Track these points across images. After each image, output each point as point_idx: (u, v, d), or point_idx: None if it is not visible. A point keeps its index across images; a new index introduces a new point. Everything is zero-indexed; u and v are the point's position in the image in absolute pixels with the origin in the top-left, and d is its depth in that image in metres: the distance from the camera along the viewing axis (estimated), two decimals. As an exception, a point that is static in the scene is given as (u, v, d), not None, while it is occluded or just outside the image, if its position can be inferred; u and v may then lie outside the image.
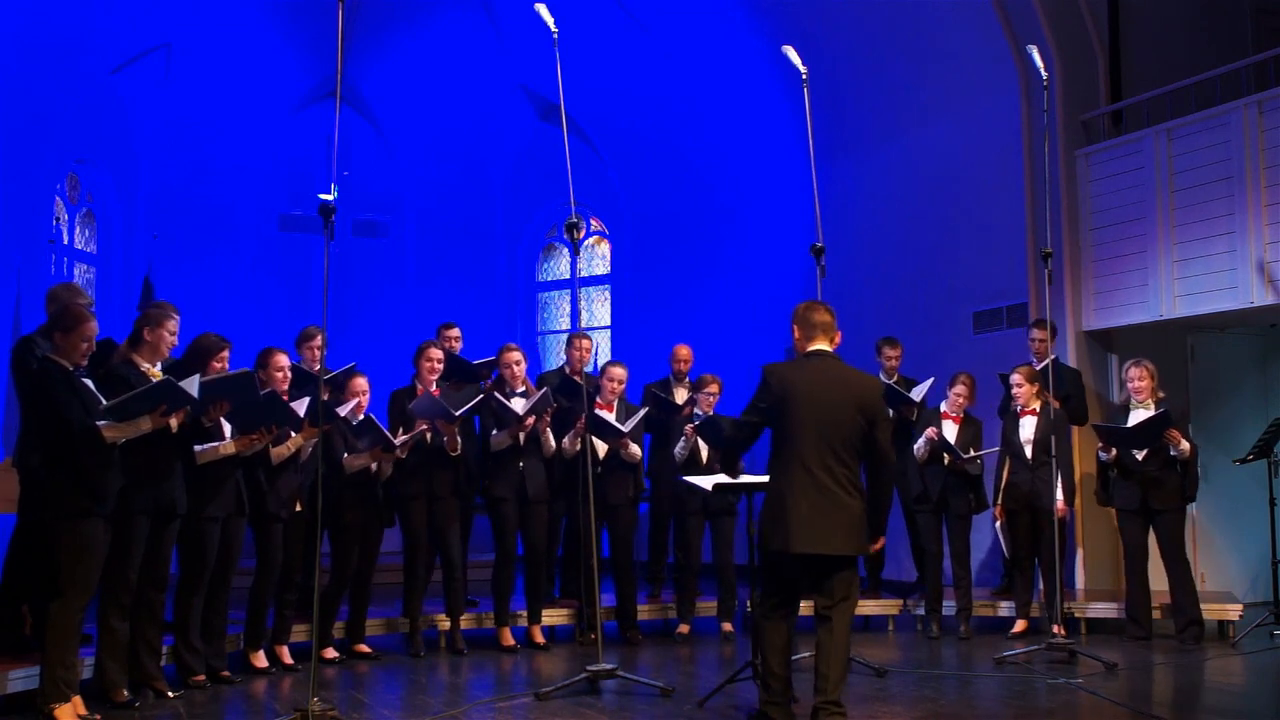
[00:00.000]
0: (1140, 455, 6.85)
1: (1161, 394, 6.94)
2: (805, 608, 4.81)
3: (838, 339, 4.77)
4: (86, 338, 4.74)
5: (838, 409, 4.50)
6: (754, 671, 5.20)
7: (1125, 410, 6.99)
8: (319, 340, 5.85)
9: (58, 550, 4.65)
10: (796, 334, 4.74)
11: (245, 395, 5.40)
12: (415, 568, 6.61)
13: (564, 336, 12.09)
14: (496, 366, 7.00)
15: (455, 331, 7.53)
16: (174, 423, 5.02)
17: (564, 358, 7.79)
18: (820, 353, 4.65)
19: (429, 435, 6.44)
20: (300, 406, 5.62)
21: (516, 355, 6.87)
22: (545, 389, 6.72)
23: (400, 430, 6.49)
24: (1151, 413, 6.75)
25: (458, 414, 6.41)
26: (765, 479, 5.04)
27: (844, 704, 4.39)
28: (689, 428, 7.09)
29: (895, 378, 7.88)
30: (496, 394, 6.65)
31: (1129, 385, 6.95)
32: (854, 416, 4.52)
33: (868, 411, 4.55)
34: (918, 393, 7.63)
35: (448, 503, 6.60)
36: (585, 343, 7.52)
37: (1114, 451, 6.91)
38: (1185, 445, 6.75)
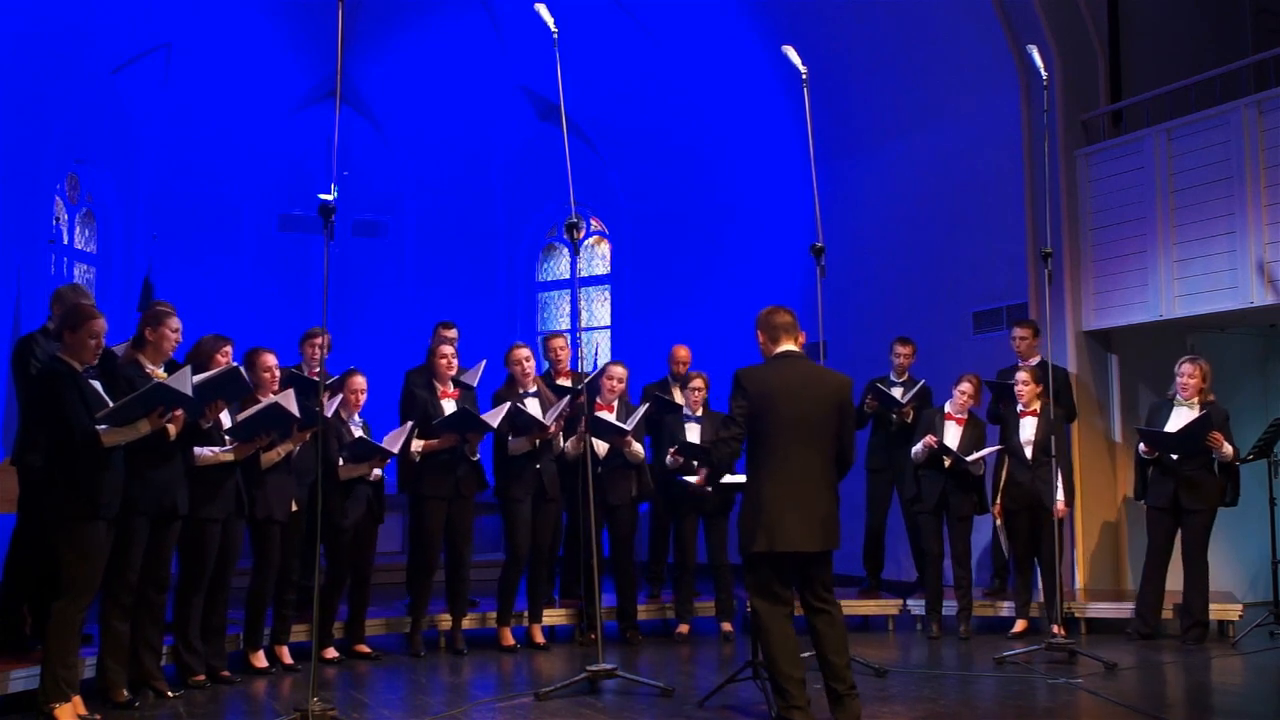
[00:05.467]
0: (1176, 456, 6.80)
1: (1211, 396, 6.87)
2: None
3: (802, 339, 4.86)
4: (94, 334, 4.73)
5: (815, 407, 4.59)
6: (754, 672, 5.20)
7: (1169, 405, 6.92)
8: (320, 340, 5.84)
9: (59, 552, 4.64)
10: (761, 339, 4.81)
11: (237, 392, 5.40)
12: (427, 567, 6.61)
13: (564, 338, 12.12)
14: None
15: (453, 333, 7.52)
16: (173, 430, 5.01)
17: (545, 364, 7.79)
18: (790, 353, 4.72)
19: (455, 443, 6.49)
20: (287, 400, 5.59)
21: (525, 352, 6.85)
22: (566, 397, 6.72)
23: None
24: (1195, 413, 6.71)
25: (495, 424, 6.43)
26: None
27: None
28: (672, 451, 7.10)
29: (905, 376, 7.89)
30: (516, 403, 6.64)
31: (1178, 380, 6.88)
32: (831, 413, 4.62)
33: (843, 408, 4.66)
34: (904, 396, 7.66)
35: (467, 503, 6.62)
36: (558, 341, 7.60)
37: (1156, 452, 6.86)
38: (1228, 449, 6.68)
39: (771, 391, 4.57)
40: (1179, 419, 6.78)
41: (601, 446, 6.94)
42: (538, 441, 6.65)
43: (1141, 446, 6.95)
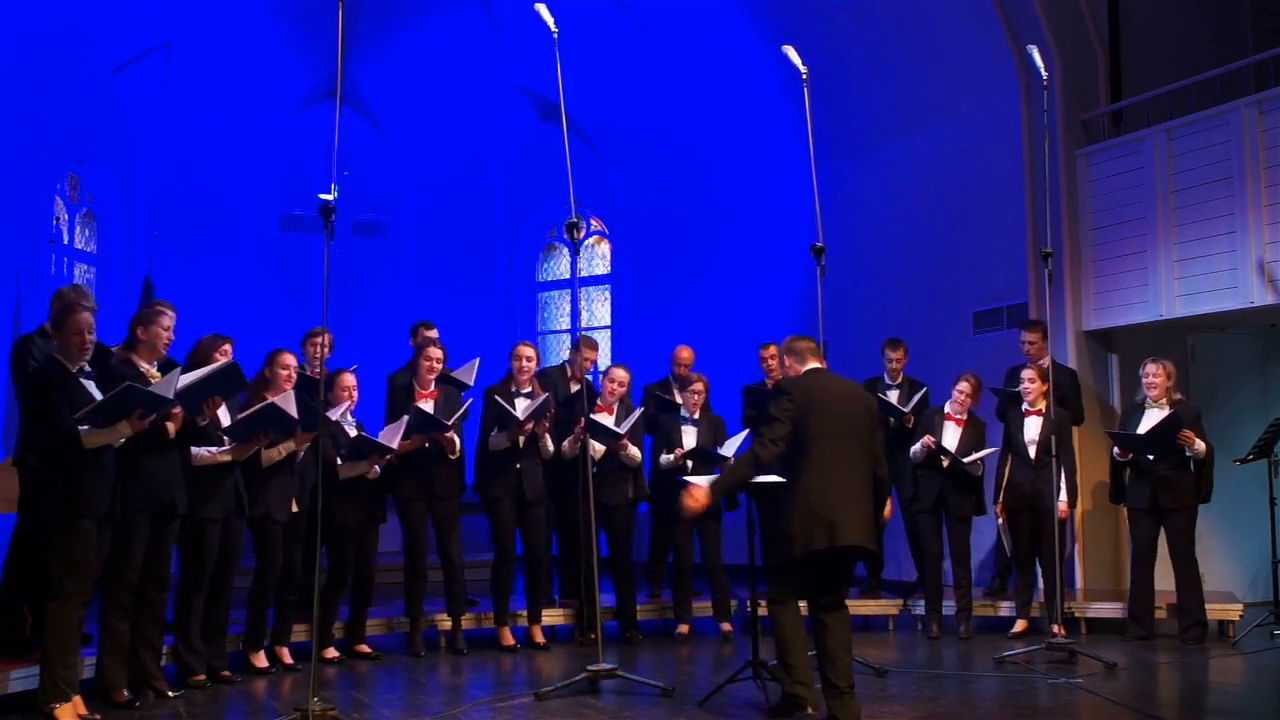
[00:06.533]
0: (1151, 457, 6.83)
1: (1178, 395, 6.91)
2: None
3: (825, 364, 5.05)
4: (79, 330, 4.70)
5: (854, 416, 4.79)
6: (754, 672, 5.21)
7: (1140, 408, 6.96)
8: (322, 339, 5.85)
9: (52, 552, 4.64)
10: (789, 362, 4.99)
11: (233, 387, 5.38)
12: (416, 568, 6.61)
13: (565, 337, 12.12)
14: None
15: (434, 332, 7.50)
16: (172, 427, 5.01)
17: (567, 357, 7.78)
18: (821, 369, 4.94)
19: (427, 445, 6.47)
20: (285, 401, 5.59)
21: (530, 352, 6.86)
22: (547, 394, 6.71)
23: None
24: (1165, 413, 6.74)
25: (450, 422, 6.42)
26: (767, 479, 5.06)
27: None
28: (679, 450, 7.10)
29: (900, 379, 7.88)
30: (498, 396, 6.64)
31: (1144, 381, 6.93)
32: (865, 423, 4.82)
33: (873, 420, 4.89)
34: (899, 399, 7.67)
35: (448, 504, 6.61)
36: (592, 353, 7.56)
37: (1130, 455, 6.90)
38: (1200, 446, 6.71)
39: (815, 396, 4.73)
40: (1150, 421, 6.81)
41: (598, 448, 6.93)
42: (521, 441, 6.63)
43: (1115, 449, 6.98)
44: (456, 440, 6.56)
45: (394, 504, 6.68)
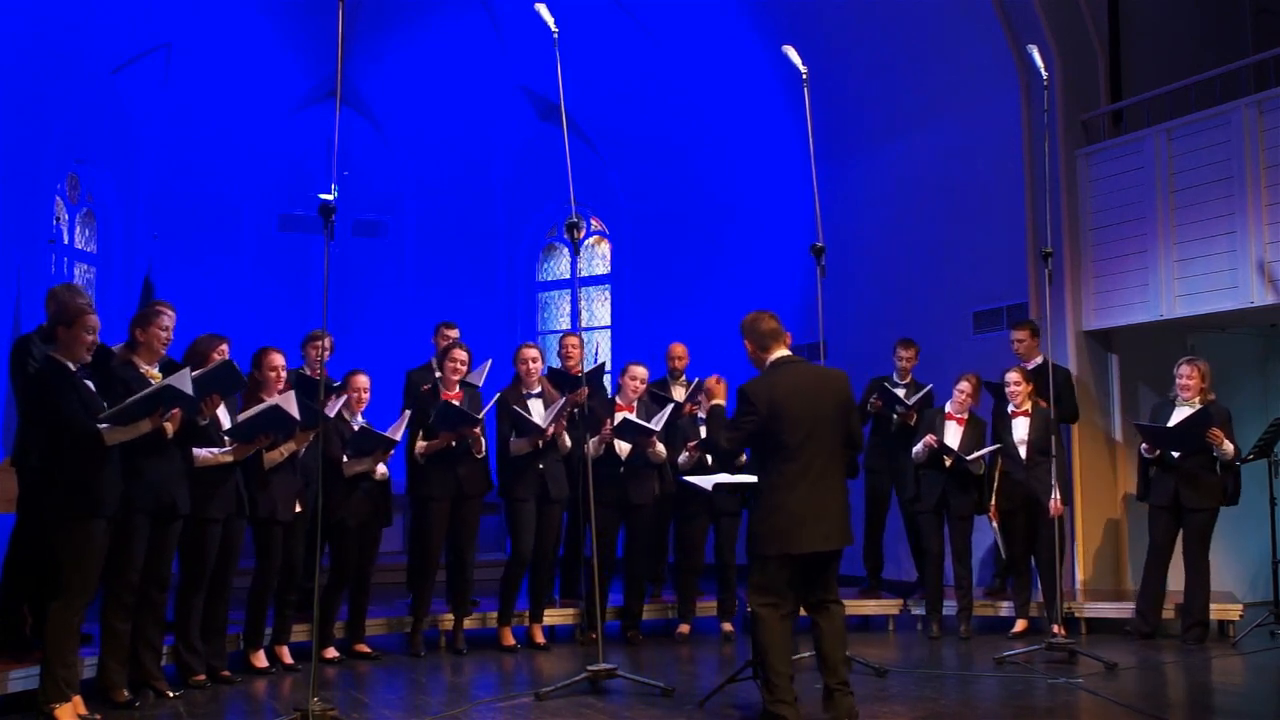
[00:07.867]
0: (1177, 454, 6.81)
1: (1212, 396, 6.89)
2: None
3: (788, 339, 4.89)
4: (89, 329, 4.72)
5: (822, 409, 4.62)
6: (754, 671, 5.20)
7: (1170, 405, 6.94)
8: (324, 343, 5.85)
9: (57, 552, 4.64)
10: (750, 348, 4.84)
11: (231, 386, 5.38)
12: (428, 567, 6.60)
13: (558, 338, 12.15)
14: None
15: (455, 332, 7.52)
16: (170, 428, 5.01)
17: (558, 360, 7.85)
18: (786, 359, 4.75)
19: (454, 443, 6.47)
20: (288, 402, 5.58)
21: (534, 353, 6.85)
22: (567, 396, 6.71)
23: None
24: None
25: (480, 416, 6.42)
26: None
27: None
28: (692, 445, 7.10)
29: (909, 379, 7.88)
30: (515, 405, 6.63)
31: (1178, 381, 6.91)
32: (836, 413, 4.66)
33: (845, 405, 4.71)
34: (908, 397, 7.67)
35: (472, 503, 6.61)
36: (573, 339, 7.61)
37: (1157, 450, 6.89)
38: (1229, 447, 6.69)
39: (780, 402, 4.57)
40: (1179, 418, 6.78)
41: (624, 447, 6.93)
42: (540, 442, 6.64)
43: (1143, 445, 6.96)
44: (483, 439, 6.57)
45: (407, 503, 6.66)
